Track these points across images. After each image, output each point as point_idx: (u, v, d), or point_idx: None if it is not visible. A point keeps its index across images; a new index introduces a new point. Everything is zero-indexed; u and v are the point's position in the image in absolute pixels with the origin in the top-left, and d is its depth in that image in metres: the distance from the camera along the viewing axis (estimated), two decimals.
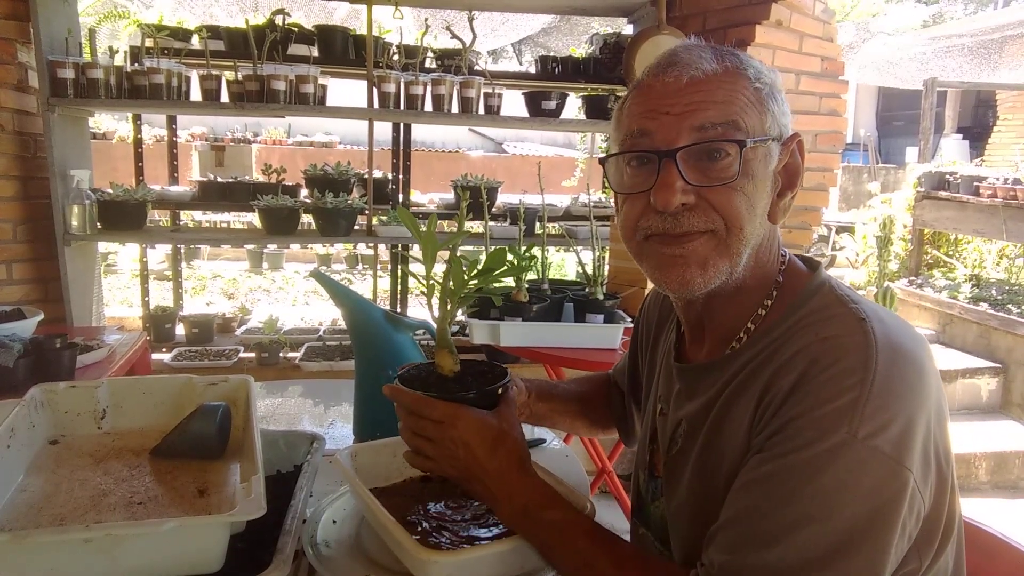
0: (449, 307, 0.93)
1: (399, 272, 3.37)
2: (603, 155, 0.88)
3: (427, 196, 4.21)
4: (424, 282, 0.93)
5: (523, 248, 2.13)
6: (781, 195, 0.83)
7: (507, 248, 0.96)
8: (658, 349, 1.05)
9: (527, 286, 2.23)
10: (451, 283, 0.91)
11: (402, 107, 2.93)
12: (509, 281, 2.18)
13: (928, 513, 0.73)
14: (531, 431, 1.51)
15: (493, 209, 3.36)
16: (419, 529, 0.94)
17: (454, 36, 3.08)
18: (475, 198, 2.86)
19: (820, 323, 0.78)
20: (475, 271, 0.92)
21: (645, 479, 1.01)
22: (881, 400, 0.69)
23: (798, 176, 0.83)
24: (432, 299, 0.93)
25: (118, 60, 2.85)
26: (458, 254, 0.91)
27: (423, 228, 0.91)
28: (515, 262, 0.97)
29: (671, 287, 0.83)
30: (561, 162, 9.37)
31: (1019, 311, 4.54)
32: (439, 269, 0.95)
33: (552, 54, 4.18)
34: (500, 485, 0.86)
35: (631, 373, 1.20)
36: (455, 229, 1.02)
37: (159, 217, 4.55)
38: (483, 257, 0.92)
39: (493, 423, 0.88)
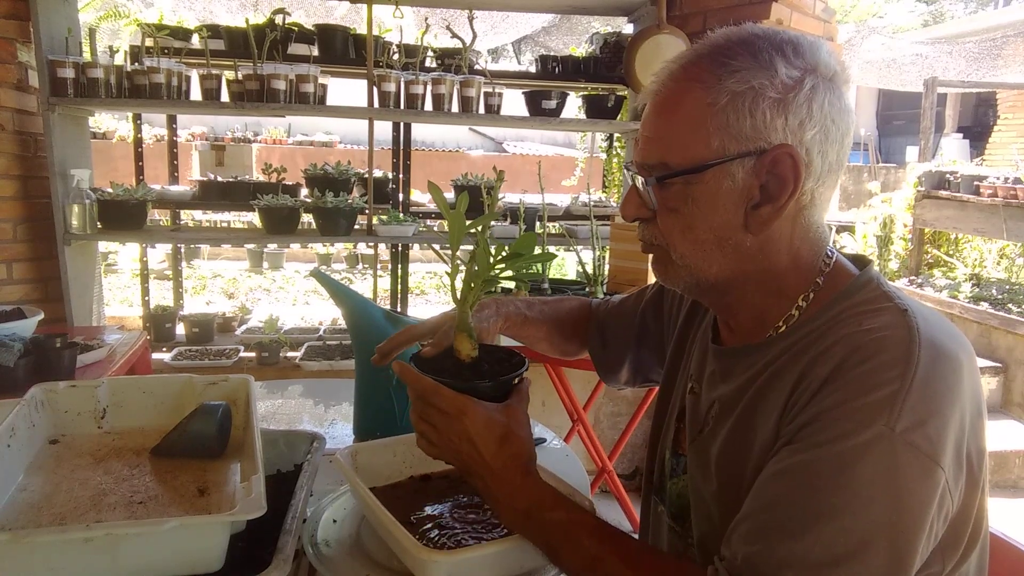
0: (472, 290, 0.90)
1: (399, 271, 3.37)
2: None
3: (427, 195, 4.21)
4: (449, 262, 0.91)
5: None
6: (758, 207, 0.79)
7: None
8: (690, 326, 1.05)
9: (527, 286, 2.23)
10: (476, 265, 0.89)
11: (402, 106, 2.93)
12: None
13: (956, 516, 0.72)
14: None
15: None
16: (419, 528, 0.94)
17: (454, 35, 3.08)
18: (474, 198, 2.86)
19: (863, 315, 0.77)
20: (502, 255, 0.89)
21: (669, 456, 1.01)
22: (920, 396, 0.68)
23: (785, 187, 0.78)
24: (456, 280, 0.91)
25: (118, 59, 2.85)
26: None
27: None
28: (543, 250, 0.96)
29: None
30: (561, 162, 9.37)
31: (1019, 310, 4.54)
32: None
33: (552, 53, 4.18)
34: (502, 486, 0.85)
35: (642, 327, 1.19)
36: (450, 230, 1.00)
37: (159, 217, 4.55)
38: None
39: (501, 420, 0.86)
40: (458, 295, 0.91)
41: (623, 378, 1.25)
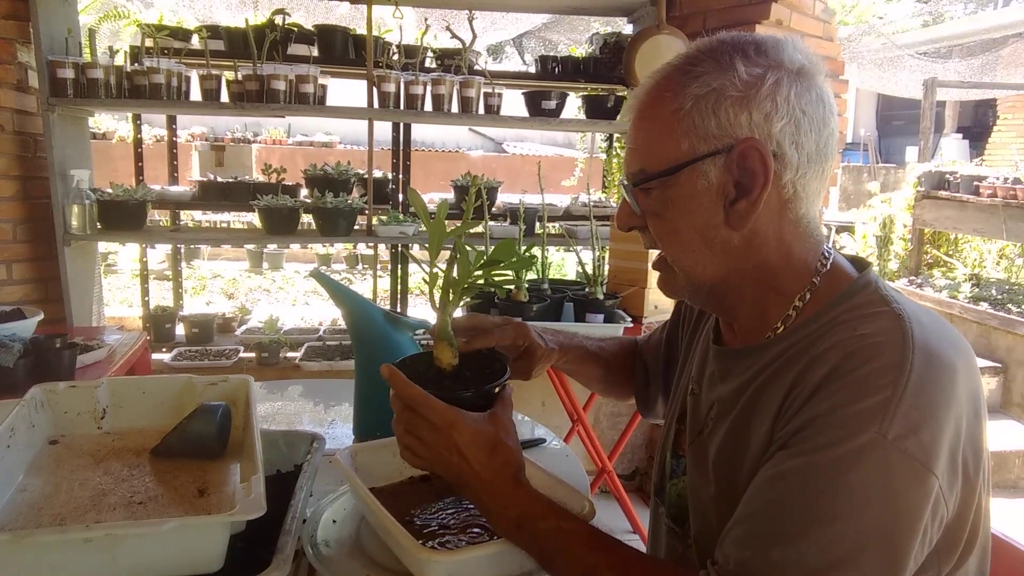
0: (452, 298, 0.91)
1: (399, 272, 3.37)
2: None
3: (427, 196, 4.21)
4: (427, 271, 0.91)
5: (523, 248, 2.13)
6: (735, 203, 0.80)
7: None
8: (698, 331, 1.06)
9: (527, 286, 2.23)
10: (455, 273, 0.90)
11: (402, 107, 2.93)
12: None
13: (951, 521, 0.72)
14: (531, 430, 1.51)
15: (493, 209, 3.36)
16: (419, 528, 0.94)
17: (454, 36, 3.08)
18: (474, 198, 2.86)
19: (859, 320, 0.77)
20: (481, 262, 0.90)
21: (669, 457, 1.02)
22: (913, 402, 0.68)
23: (756, 181, 0.78)
24: (435, 289, 0.91)
25: (118, 60, 2.85)
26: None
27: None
28: (522, 254, 0.97)
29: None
30: (561, 162, 9.37)
31: (1019, 310, 4.54)
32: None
33: (553, 54, 4.18)
34: (493, 497, 0.85)
35: (667, 350, 1.20)
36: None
37: (159, 217, 4.55)
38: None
39: (489, 431, 0.86)
40: (437, 302, 0.91)
41: (660, 411, 1.24)
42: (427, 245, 0.93)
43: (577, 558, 0.80)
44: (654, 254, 0.91)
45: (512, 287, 2.18)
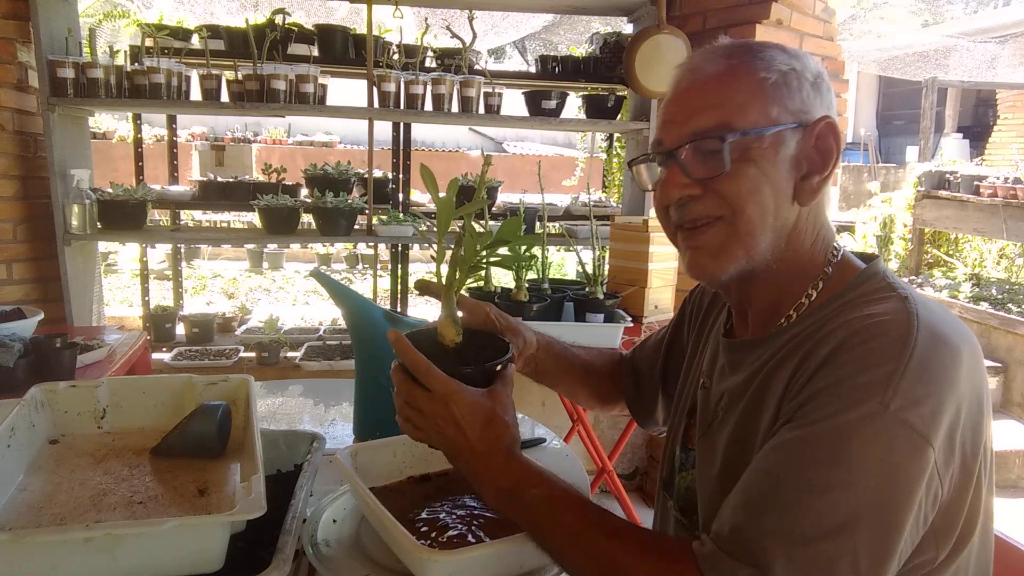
0: (458, 275, 0.91)
1: (399, 271, 3.37)
2: (630, 159, 0.97)
3: (427, 195, 4.21)
4: (436, 247, 0.91)
5: (523, 247, 2.12)
6: (807, 177, 0.84)
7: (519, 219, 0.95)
8: (705, 329, 1.07)
9: (527, 285, 2.22)
10: (463, 250, 0.90)
11: (402, 107, 2.93)
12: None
13: (947, 502, 0.73)
14: (531, 430, 1.51)
15: (493, 208, 3.36)
16: (419, 528, 0.94)
17: (454, 35, 3.08)
18: (471, 198, 2.86)
19: (865, 303, 0.79)
20: (488, 241, 0.90)
21: (679, 451, 1.02)
22: (917, 376, 0.69)
23: (830, 158, 0.83)
24: (441, 266, 0.92)
25: (118, 60, 2.85)
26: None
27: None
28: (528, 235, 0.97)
29: (693, 275, 0.91)
30: (561, 161, 9.37)
31: (1019, 310, 4.54)
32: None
33: (553, 53, 4.18)
34: (485, 467, 0.85)
35: (667, 355, 1.19)
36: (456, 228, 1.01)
37: (159, 217, 4.55)
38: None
39: (486, 404, 0.87)
40: (443, 280, 0.92)
41: (660, 418, 1.23)
42: (426, 245, 0.93)
43: (566, 524, 0.80)
44: (667, 240, 0.91)
45: (512, 286, 2.18)
